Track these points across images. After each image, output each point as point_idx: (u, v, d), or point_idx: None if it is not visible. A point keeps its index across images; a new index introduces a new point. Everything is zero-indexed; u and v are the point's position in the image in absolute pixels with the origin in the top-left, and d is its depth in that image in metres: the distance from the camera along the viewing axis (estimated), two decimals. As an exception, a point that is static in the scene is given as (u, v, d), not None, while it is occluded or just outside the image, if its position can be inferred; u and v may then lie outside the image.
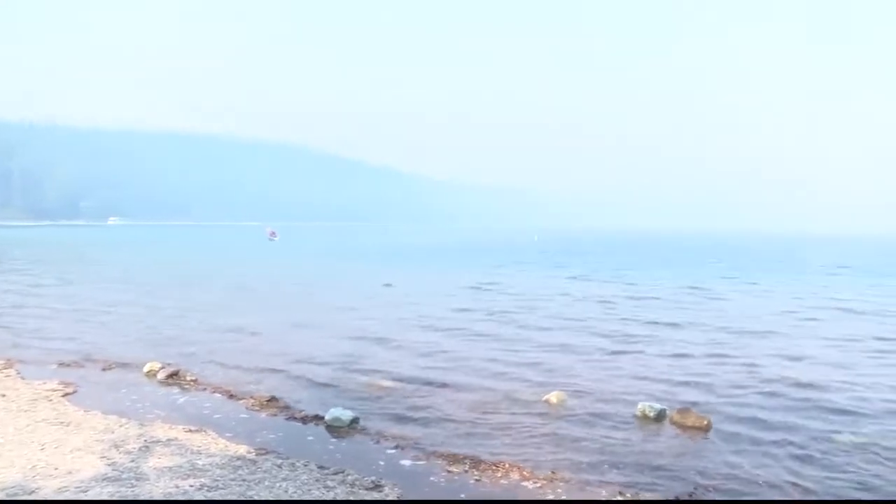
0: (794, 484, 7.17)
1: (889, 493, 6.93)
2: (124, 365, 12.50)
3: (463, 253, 63.82)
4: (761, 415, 9.62)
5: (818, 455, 8.01)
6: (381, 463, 7.63)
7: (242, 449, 7.83)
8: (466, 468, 7.41)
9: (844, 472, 7.52)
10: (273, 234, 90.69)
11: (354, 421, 9.02)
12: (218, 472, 6.96)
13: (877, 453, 8.06)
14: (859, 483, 7.21)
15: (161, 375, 11.51)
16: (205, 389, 10.87)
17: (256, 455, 7.62)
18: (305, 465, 7.35)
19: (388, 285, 25.76)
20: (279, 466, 7.25)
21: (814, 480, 7.27)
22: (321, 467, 7.33)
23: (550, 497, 6.72)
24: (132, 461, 7.18)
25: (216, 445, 7.92)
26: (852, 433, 8.74)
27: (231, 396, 10.40)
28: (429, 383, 11.30)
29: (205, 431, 8.46)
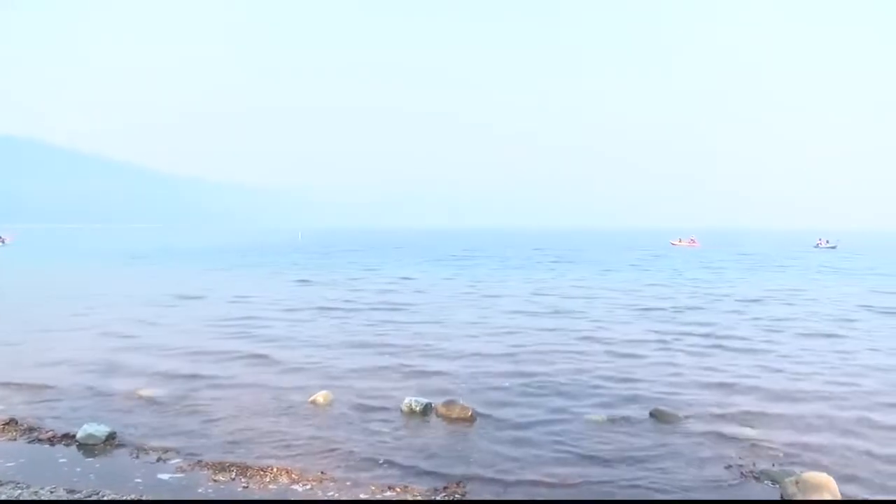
0: (556, 462, 7.89)
1: (639, 467, 7.79)
2: None
3: (214, 254, 61.81)
4: (518, 401, 10.50)
5: (574, 435, 8.87)
6: (140, 480, 7.27)
7: (-32, 485, 6.94)
8: (233, 476, 7.34)
9: (599, 447, 8.42)
10: (1, 239, 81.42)
11: (111, 436, 8.48)
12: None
13: (621, 428, 9.20)
14: (615, 460, 8.01)
15: None
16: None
17: (-12, 489, 6.83)
18: (52, 493, 6.76)
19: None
20: (17, 498, 6.58)
21: (574, 460, 8.00)
22: (71, 492, 6.79)
23: (321, 498, 6.84)
24: None
25: (-69, 486, 6.92)
26: (603, 412, 9.83)
27: (-44, 424, 9.11)
28: (191, 390, 10.97)
29: (-86, 473, 7.30)
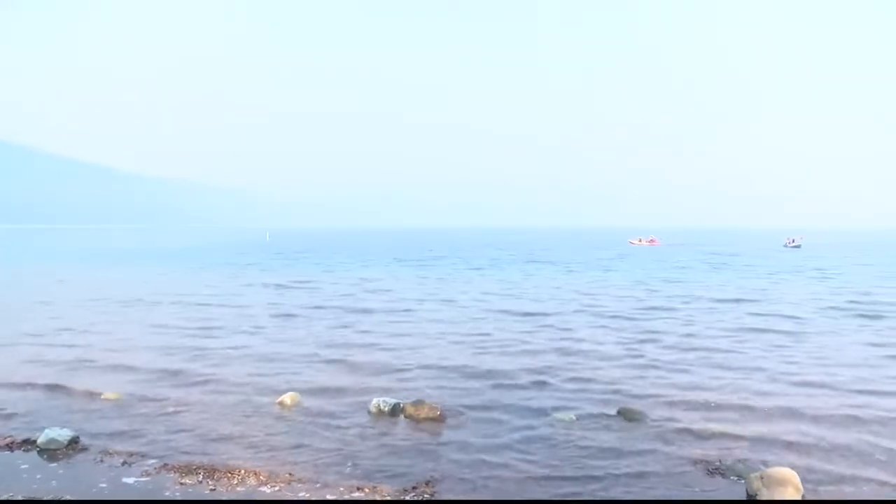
0: (525, 462, 7.89)
1: (605, 464, 7.86)
2: None
3: (180, 254, 61.36)
4: (486, 401, 10.51)
5: (543, 433, 8.91)
6: (105, 484, 7.11)
7: (-79, 497, 6.70)
8: (201, 478, 7.24)
9: (567, 445, 8.48)
10: None
11: (74, 440, 8.29)
12: None
13: (588, 426, 9.27)
14: (583, 458, 8.04)
15: None
16: None
17: (-59, 500, 6.59)
18: (10, 499, 6.56)
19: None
20: (-27, 506, 6.38)
21: (543, 458, 8.00)
22: (31, 499, 6.61)
23: (289, 498, 6.76)
24: None
25: None
26: (571, 411, 9.87)
27: None
28: (156, 393, 10.81)
29: None
